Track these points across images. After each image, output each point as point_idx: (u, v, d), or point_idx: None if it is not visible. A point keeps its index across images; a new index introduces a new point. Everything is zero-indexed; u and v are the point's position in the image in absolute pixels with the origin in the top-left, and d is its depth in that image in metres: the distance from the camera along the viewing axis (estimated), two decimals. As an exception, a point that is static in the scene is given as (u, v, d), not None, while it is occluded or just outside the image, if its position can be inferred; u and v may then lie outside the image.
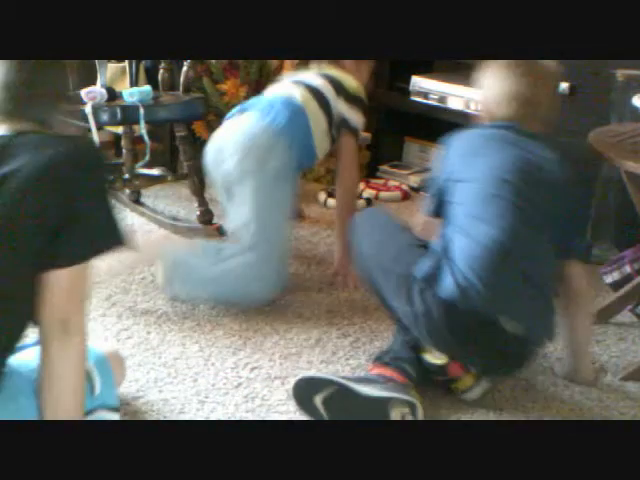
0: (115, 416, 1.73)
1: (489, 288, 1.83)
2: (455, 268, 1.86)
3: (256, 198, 2.37)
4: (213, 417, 1.88)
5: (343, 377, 1.92)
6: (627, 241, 2.61)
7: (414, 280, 1.89)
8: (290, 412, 1.91)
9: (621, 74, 2.70)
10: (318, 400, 1.86)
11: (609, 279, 2.50)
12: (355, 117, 2.56)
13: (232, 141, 2.43)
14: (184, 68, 2.93)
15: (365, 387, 1.87)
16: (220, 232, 2.86)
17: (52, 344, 1.47)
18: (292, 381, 1.92)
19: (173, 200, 3.28)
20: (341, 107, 2.54)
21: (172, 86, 3.06)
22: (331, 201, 3.21)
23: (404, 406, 1.86)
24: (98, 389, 1.68)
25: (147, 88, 2.80)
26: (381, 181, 3.58)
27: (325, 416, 1.86)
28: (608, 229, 2.89)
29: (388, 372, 1.94)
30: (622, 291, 2.42)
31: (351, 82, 2.60)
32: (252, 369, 2.09)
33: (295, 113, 2.46)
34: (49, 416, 1.50)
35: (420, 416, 1.87)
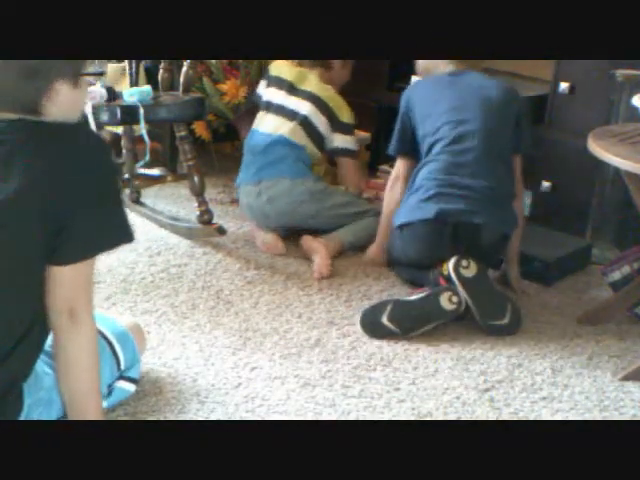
0: (132, 387, 1.83)
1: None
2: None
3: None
4: (213, 417, 1.88)
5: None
6: (627, 241, 2.62)
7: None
8: (290, 412, 1.91)
9: (621, 74, 2.70)
10: (385, 319, 2.28)
11: (609, 279, 2.50)
12: (349, 141, 2.99)
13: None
14: (184, 68, 2.93)
15: (413, 296, 2.34)
16: (220, 232, 2.86)
17: (62, 333, 1.52)
18: (292, 381, 1.95)
19: (173, 200, 3.28)
20: (336, 139, 2.96)
21: (172, 86, 3.05)
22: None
23: (447, 291, 2.29)
24: (123, 364, 1.79)
25: (147, 88, 2.79)
26: (381, 181, 3.57)
27: (394, 329, 2.26)
28: (608, 229, 2.89)
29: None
30: (622, 291, 2.42)
31: (342, 109, 2.95)
32: (252, 369, 2.09)
33: (293, 150, 2.88)
34: (68, 399, 1.57)
35: (462, 294, 2.29)
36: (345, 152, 2.99)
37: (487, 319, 2.32)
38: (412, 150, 2.64)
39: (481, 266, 2.33)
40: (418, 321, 2.28)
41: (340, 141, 2.96)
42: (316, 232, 2.80)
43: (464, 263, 2.31)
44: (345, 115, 2.95)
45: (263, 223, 2.88)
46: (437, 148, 2.51)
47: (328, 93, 2.93)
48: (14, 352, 1.48)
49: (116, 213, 1.51)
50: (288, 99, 2.92)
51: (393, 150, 2.72)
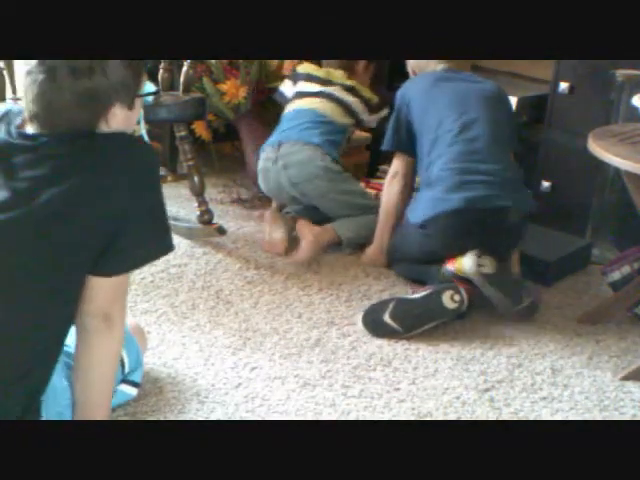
0: (134, 391, 1.83)
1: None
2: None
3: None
4: (213, 417, 1.88)
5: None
6: (627, 241, 2.61)
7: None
8: (290, 412, 1.91)
9: (621, 74, 2.70)
10: (387, 317, 2.29)
11: (609, 279, 2.50)
12: (374, 119, 3.16)
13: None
14: (184, 68, 2.93)
15: (416, 294, 2.36)
16: (220, 232, 2.87)
17: (94, 335, 1.54)
18: (292, 381, 1.96)
19: (173, 200, 3.27)
20: (366, 117, 3.11)
21: (172, 86, 3.05)
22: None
23: (450, 289, 2.30)
24: (127, 367, 1.80)
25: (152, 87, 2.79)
26: (381, 181, 3.57)
27: (396, 327, 2.27)
28: (608, 229, 2.89)
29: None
30: (622, 291, 2.42)
31: (369, 94, 3.11)
32: (252, 369, 2.09)
33: (324, 125, 2.95)
34: (83, 398, 1.59)
35: (464, 294, 2.30)
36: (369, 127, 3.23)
37: (514, 306, 2.35)
38: (409, 146, 2.65)
39: (494, 257, 2.35)
40: (420, 319, 2.28)
41: (371, 120, 3.13)
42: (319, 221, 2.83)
43: (481, 262, 2.32)
44: (369, 95, 3.10)
45: (276, 195, 2.95)
46: (446, 140, 2.51)
47: (359, 86, 3.08)
48: (37, 367, 1.49)
49: (162, 225, 1.52)
50: (321, 88, 3.02)
51: (389, 145, 2.73)
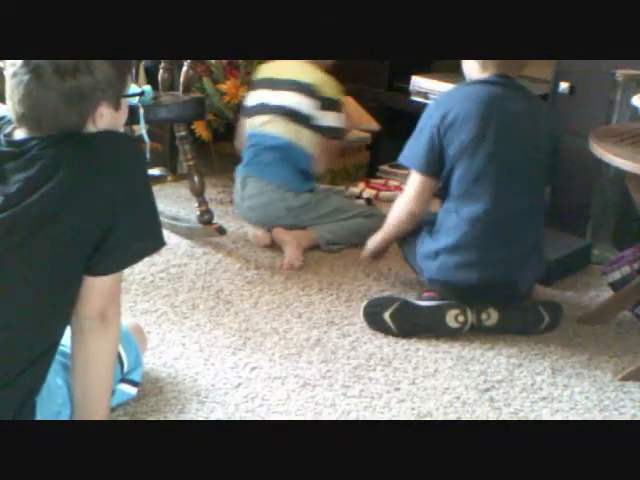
0: (133, 391, 1.83)
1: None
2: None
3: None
4: (213, 417, 1.88)
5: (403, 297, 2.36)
6: (627, 241, 2.62)
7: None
8: (290, 412, 1.91)
9: (621, 74, 2.70)
10: (386, 315, 2.27)
11: (609, 279, 2.50)
12: (335, 118, 2.84)
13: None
14: (184, 68, 2.93)
15: (423, 302, 2.31)
16: (220, 232, 2.87)
17: (90, 335, 1.55)
18: (292, 381, 1.96)
19: (173, 200, 3.28)
20: (324, 118, 2.82)
21: (172, 86, 3.05)
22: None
23: (456, 309, 2.26)
24: (126, 367, 1.80)
25: (147, 88, 2.79)
26: (381, 181, 3.58)
27: (393, 328, 2.27)
28: (608, 229, 2.89)
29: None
30: (622, 291, 2.42)
31: (325, 86, 2.81)
32: (252, 369, 2.09)
33: (283, 152, 2.82)
34: (82, 397, 1.59)
35: (469, 317, 2.26)
36: (330, 131, 2.85)
37: (531, 331, 2.33)
38: (439, 170, 2.32)
39: (500, 307, 2.30)
40: (418, 328, 2.29)
41: (327, 119, 2.83)
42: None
43: (484, 316, 2.29)
44: (330, 91, 2.83)
45: (249, 222, 2.94)
46: (479, 198, 2.27)
47: (309, 75, 2.82)
48: (32, 367, 1.48)
49: (153, 221, 1.53)
50: (269, 95, 2.87)
51: (417, 166, 2.35)
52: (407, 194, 2.40)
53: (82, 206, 1.41)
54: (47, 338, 1.50)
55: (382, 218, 2.62)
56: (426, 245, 2.36)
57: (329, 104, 2.84)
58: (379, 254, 2.62)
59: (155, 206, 1.53)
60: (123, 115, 1.53)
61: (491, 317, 2.29)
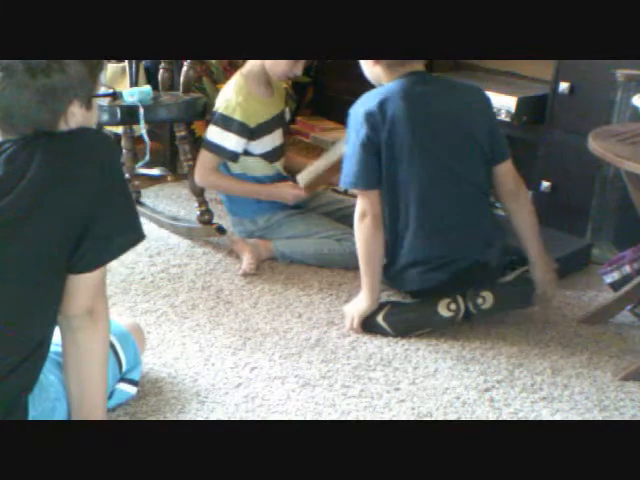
0: (133, 390, 1.83)
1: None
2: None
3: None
4: (213, 417, 1.88)
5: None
6: (627, 241, 2.61)
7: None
8: (290, 412, 1.91)
9: (621, 74, 2.70)
10: (379, 318, 2.29)
11: (609, 279, 2.50)
12: (209, 131, 2.69)
13: None
14: (184, 68, 2.93)
15: (412, 300, 2.37)
16: (220, 232, 2.87)
17: (80, 332, 1.55)
18: (292, 381, 1.97)
19: (173, 200, 3.28)
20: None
21: (172, 86, 3.06)
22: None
23: (446, 297, 2.27)
24: (124, 366, 1.80)
25: (147, 88, 2.80)
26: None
27: (388, 329, 2.28)
28: (608, 229, 2.89)
29: None
30: (622, 291, 2.42)
31: (220, 99, 2.70)
32: (252, 369, 2.09)
33: None
34: (78, 396, 1.59)
35: (461, 305, 2.26)
36: (202, 142, 2.72)
37: (529, 300, 2.38)
38: (379, 180, 2.24)
39: (492, 289, 2.30)
40: (413, 324, 2.29)
41: (208, 132, 2.71)
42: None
43: (479, 301, 2.28)
44: (221, 105, 2.67)
45: None
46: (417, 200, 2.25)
47: (222, 92, 2.74)
48: (21, 366, 1.48)
49: (132, 212, 1.53)
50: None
51: (358, 183, 2.25)
52: (355, 216, 2.28)
53: (59, 202, 1.40)
54: (33, 337, 1.49)
55: (352, 246, 2.41)
56: (387, 266, 2.34)
57: (212, 116, 2.74)
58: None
59: (132, 199, 1.54)
60: (94, 115, 1.52)
61: (487, 300, 2.28)
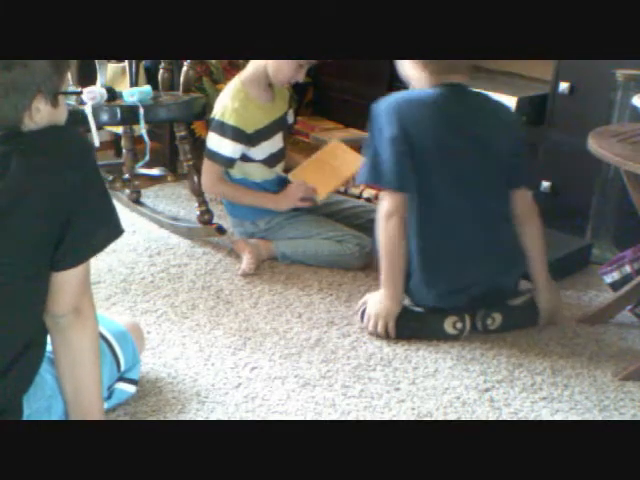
0: (132, 389, 1.83)
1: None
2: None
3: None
4: (213, 417, 1.88)
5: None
6: (627, 241, 2.61)
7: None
8: (290, 412, 1.91)
9: (621, 74, 2.70)
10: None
11: (609, 279, 2.50)
12: (210, 139, 2.68)
13: None
14: (184, 68, 2.93)
15: (421, 308, 2.32)
16: (220, 232, 2.87)
17: (69, 331, 1.55)
18: (292, 381, 1.97)
19: (173, 200, 3.28)
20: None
21: (172, 86, 3.06)
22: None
23: (454, 316, 2.26)
24: (123, 365, 1.79)
25: (147, 88, 2.79)
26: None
27: (393, 335, 2.26)
28: (608, 229, 2.89)
29: None
30: (622, 291, 2.42)
31: (218, 105, 2.68)
32: (252, 369, 2.09)
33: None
34: (73, 397, 1.59)
35: (467, 325, 2.27)
36: (205, 152, 2.70)
37: (534, 322, 2.38)
38: (413, 186, 2.21)
39: (502, 309, 2.32)
40: (415, 332, 2.29)
41: (208, 139, 2.71)
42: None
43: (489, 321, 2.31)
44: (218, 112, 2.66)
45: None
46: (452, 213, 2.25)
47: (219, 99, 2.72)
48: (17, 364, 1.48)
49: (110, 206, 1.52)
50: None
51: (393, 182, 2.22)
52: (380, 214, 2.26)
53: (37, 199, 1.40)
54: (19, 338, 1.49)
55: (353, 247, 2.65)
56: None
57: (211, 124, 2.72)
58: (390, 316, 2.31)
59: (109, 194, 1.53)
60: (62, 113, 1.51)
61: (496, 321, 2.31)
